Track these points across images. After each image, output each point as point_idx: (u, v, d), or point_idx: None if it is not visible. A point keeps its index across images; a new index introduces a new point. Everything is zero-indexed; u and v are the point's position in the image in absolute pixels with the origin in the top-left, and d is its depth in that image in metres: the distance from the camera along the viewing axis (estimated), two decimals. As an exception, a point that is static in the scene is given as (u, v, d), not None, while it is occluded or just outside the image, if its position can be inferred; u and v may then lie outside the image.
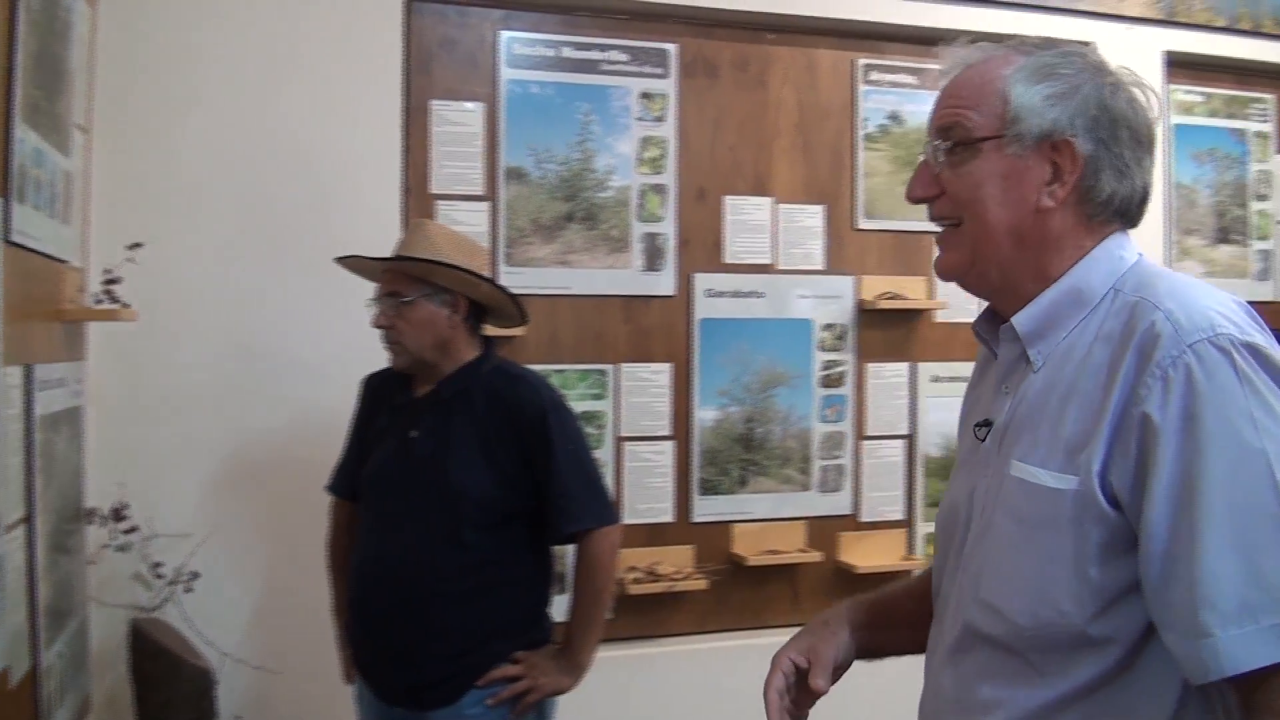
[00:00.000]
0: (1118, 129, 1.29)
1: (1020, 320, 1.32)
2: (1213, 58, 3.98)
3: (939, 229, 1.38)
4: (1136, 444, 1.16)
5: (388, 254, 2.39)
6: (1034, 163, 1.29)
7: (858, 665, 1.52)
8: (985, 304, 1.43)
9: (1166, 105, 3.91)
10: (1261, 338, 1.18)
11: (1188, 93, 3.99)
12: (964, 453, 1.46)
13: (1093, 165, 1.28)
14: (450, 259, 2.30)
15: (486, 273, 2.40)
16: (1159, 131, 1.34)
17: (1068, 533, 1.21)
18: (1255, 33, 4.00)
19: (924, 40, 3.57)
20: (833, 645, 1.49)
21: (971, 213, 1.32)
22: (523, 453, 2.31)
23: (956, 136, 1.33)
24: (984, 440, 1.36)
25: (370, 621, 2.36)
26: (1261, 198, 4.10)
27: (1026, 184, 1.29)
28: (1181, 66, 3.95)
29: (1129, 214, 1.33)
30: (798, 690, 1.48)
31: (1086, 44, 1.37)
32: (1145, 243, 4.08)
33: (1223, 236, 4.04)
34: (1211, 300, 1.21)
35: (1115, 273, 1.30)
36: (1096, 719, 1.22)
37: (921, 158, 1.39)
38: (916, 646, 1.48)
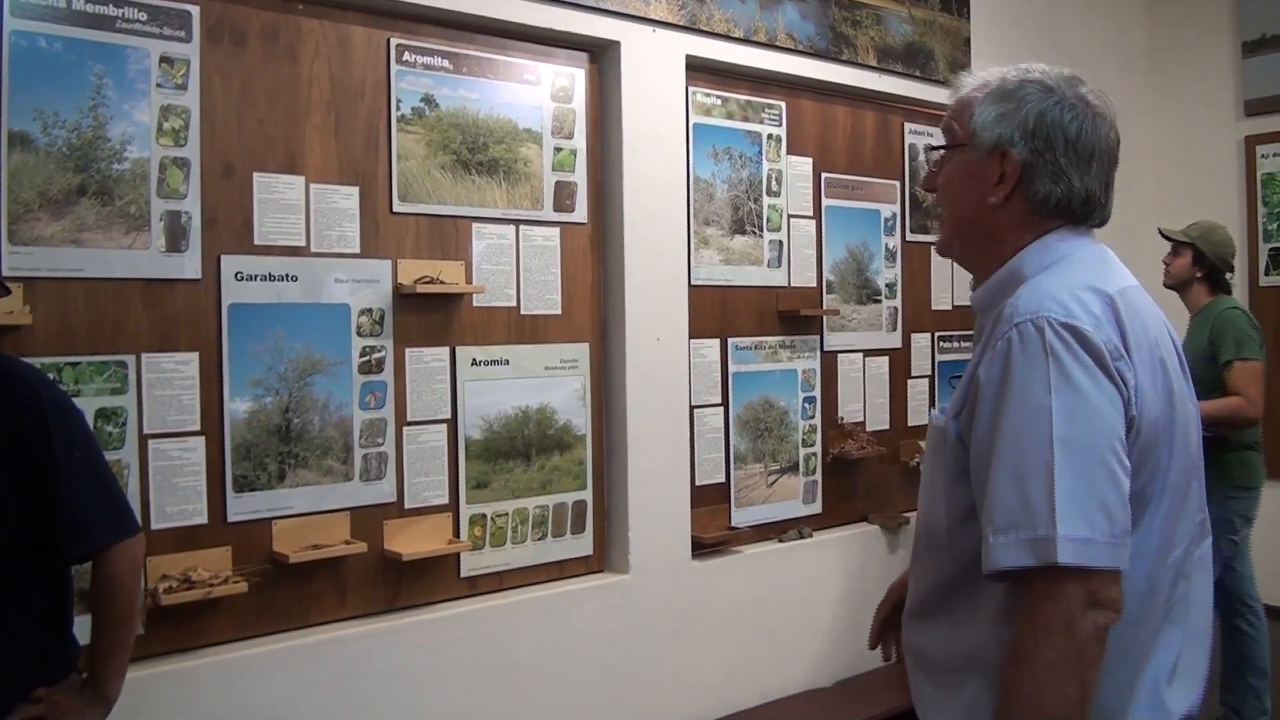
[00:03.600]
0: (1053, 140, 1.59)
1: (975, 296, 1.72)
2: (730, 65, 4.29)
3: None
4: (972, 397, 1.54)
5: None
6: (986, 167, 1.63)
7: None
8: None
9: (687, 106, 4.16)
10: (1088, 322, 1.48)
11: (706, 95, 4.27)
12: None
13: (1029, 170, 1.61)
14: None
15: None
16: (1099, 145, 1.62)
17: (940, 460, 1.62)
18: (769, 45, 4.35)
19: (458, 25, 3.57)
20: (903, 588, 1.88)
21: (946, 204, 1.72)
22: (22, 464, 2.04)
23: (944, 141, 1.70)
24: None
25: None
26: (773, 193, 4.47)
27: (981, 184, 1.64)
28: (701, 70, 4.22)
29: (1071, 212, 1.63)
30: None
31: (1072, 74, 1.67)
32: (668, 232, 4.26)
33: (739, 228, 4.36)
34: (1061, 290, 1.53)
35: (1045, 263, 1.61)
36: (956, 600, 1.62)
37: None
38: None
